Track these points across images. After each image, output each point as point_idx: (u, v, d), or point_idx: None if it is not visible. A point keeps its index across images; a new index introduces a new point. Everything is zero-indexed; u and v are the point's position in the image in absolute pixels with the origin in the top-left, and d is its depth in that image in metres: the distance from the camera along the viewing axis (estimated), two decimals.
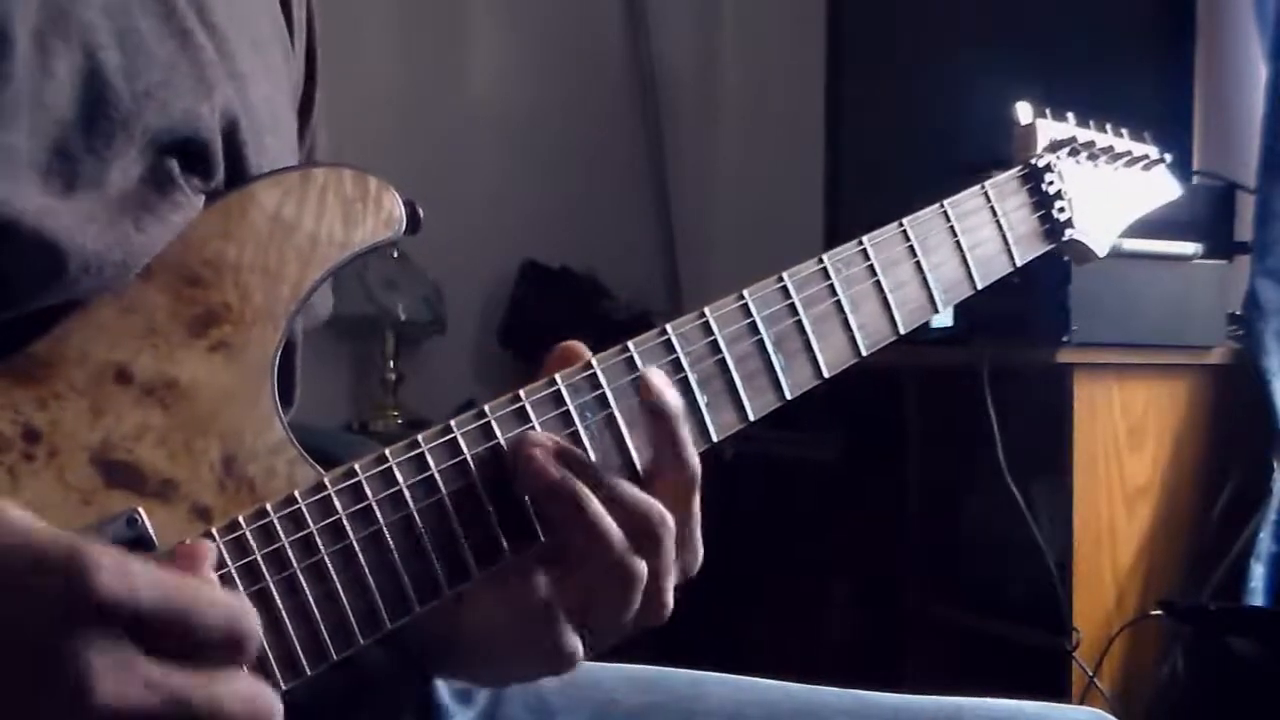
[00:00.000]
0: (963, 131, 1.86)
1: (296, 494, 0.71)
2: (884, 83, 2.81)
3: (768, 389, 0.84)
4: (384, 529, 0.72)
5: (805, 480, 2.63)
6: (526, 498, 0.75)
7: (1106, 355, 1.99)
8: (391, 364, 3.10)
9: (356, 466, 0.72)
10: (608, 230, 3.35)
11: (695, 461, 0.78)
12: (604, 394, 0.78)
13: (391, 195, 0.77)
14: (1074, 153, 1.05)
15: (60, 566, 0.58)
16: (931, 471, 2.31)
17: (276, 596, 0.69)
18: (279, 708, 0.63)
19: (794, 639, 2.66)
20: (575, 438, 0.77)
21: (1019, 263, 0.99)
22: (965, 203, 0.96)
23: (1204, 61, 2.22)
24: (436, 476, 0.74)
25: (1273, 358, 2.02)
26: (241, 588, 0.69)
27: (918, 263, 0.92)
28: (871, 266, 0.89)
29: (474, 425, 0.75)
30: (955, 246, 0.94)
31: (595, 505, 0.74)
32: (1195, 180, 2.16)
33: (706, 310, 0.82)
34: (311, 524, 0.71)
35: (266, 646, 0.69)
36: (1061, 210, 1.02)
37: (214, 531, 0.69)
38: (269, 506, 0.70)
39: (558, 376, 0.77)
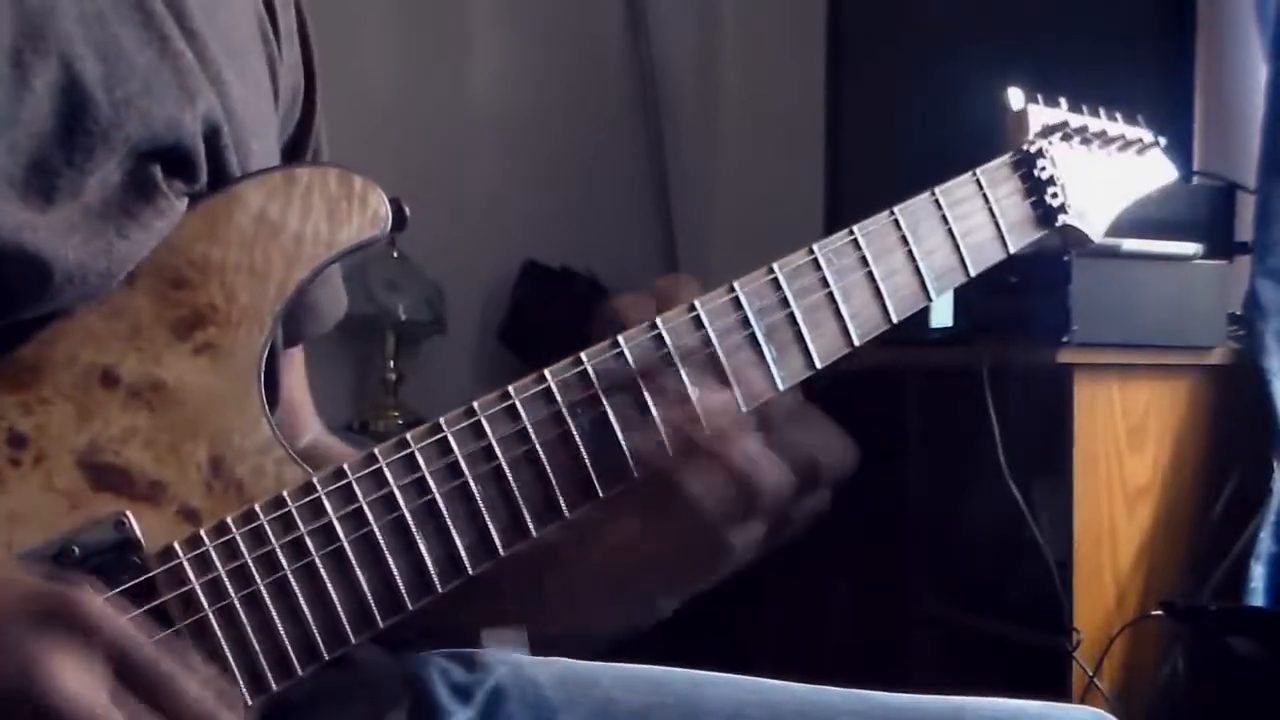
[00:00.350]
0: (963, 131, 1.85)
1: (285, 494, 0.70)
2: (884, 83, 2.81)
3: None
4: (374, 529, 0.72)
5: None
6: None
7: (1107, 355, 1.98)
8: (391, 364, 3.09)
9: (345, 466, 0.72)
10: (608, 230, 3.34)
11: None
12: (595, 394, 0.78)
13: (377, 193, 0.77)
14: (1066, 138, 1.04)
15: (60, 591, 0.59)
16: (931, 471, 2.31)
17: (266, 597, 0.69)
18: None
19: (795, 639, 2.66)
20: (567, 436, 0.77)
21: (1013, 249, 0.98)
22: (956, 190, 0.95)
23: (1204, 61, 2.21)
24: (427, 476, 0.73)
25: (1273, 358, 2.02)
26: (231, 589, 0.68)
27: (909, 251, 0.91)
28: (863, 256, 0.88)
29: (464, 424, 0.75)
30: (947, 234, 0.93)
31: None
32: (1195, 180, 2.15)
33: (697, 303, 0.82)
34: (301, 524, 0.70)
35: (258, 648, 0.69)
36: (1054, 196, 1.01)
37: (203, 534, 0.69)
38: (258, 507, 0.70)
39: (547, 373, 0.77)
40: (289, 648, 0.70)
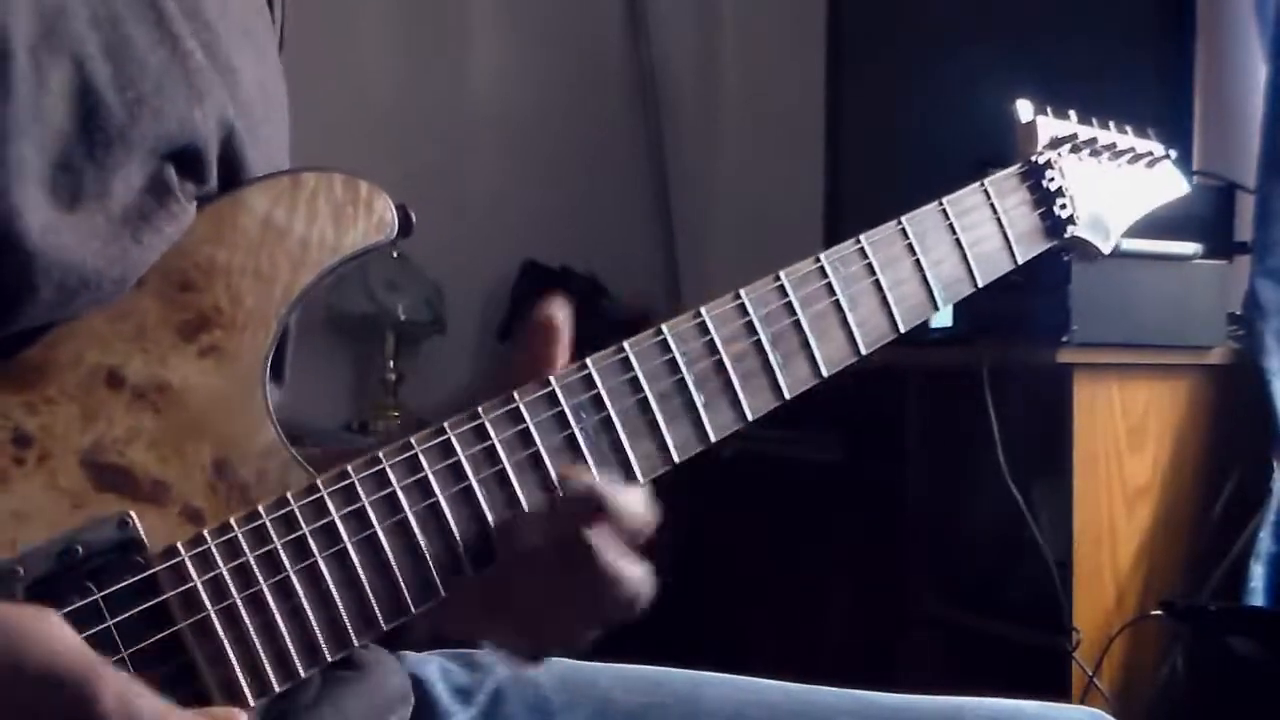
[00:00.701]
0: (963, 131, 1.85)
1: (289, 495, 0.71)
2: (884, 83, 2.81)
3: (766, 388, 0.84)
4: (378, 531, 0.72)
5: (805, 480, 2.63)
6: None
7: (1107, 355, 1.98)
8: (391, 364, 3.10)
9: (349, 468, 0.72)
10: (608, 230, 3.34)
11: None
12: (599, 394, 0.78)
13: (383, 199, 0.77)
14: (1076, 150, 1.05)
15: (70, 686, 0.59)
16: (931, 471, 2.31)
17: (269, 597, 0.69)
18: None
19: (794, 639, 2.66)
20: (571, 440, 0.77)
21: (1020, 260, 0.98)
22: (964, 200, 0.95)
23: (1204, 61, 2.21)
24: (430, 478, 0.73)
25: (1273, 358, 2.02)
26: (234, 589, 0.68)
27: (917, 260, 0.91)
28: (870, 265, 0.89)
29: (468, 426, 0.75)
30: (955, 244, 0.94)
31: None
32: (1195, 180, 2.15)
33: (703, 310, 0.82)
34: (304, 526, 0.70)
35: (260, 649, 0.69)
36: (1063, 207, 1.01)
37: (206, 534, 0.69)
38: (261, 509, 0.70)
39: (552, 378, 0.77)
40: (291, 649, 0.70)
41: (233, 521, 0.69)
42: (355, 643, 0.71)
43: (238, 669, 0.68)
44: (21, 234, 0.66)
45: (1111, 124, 1.10)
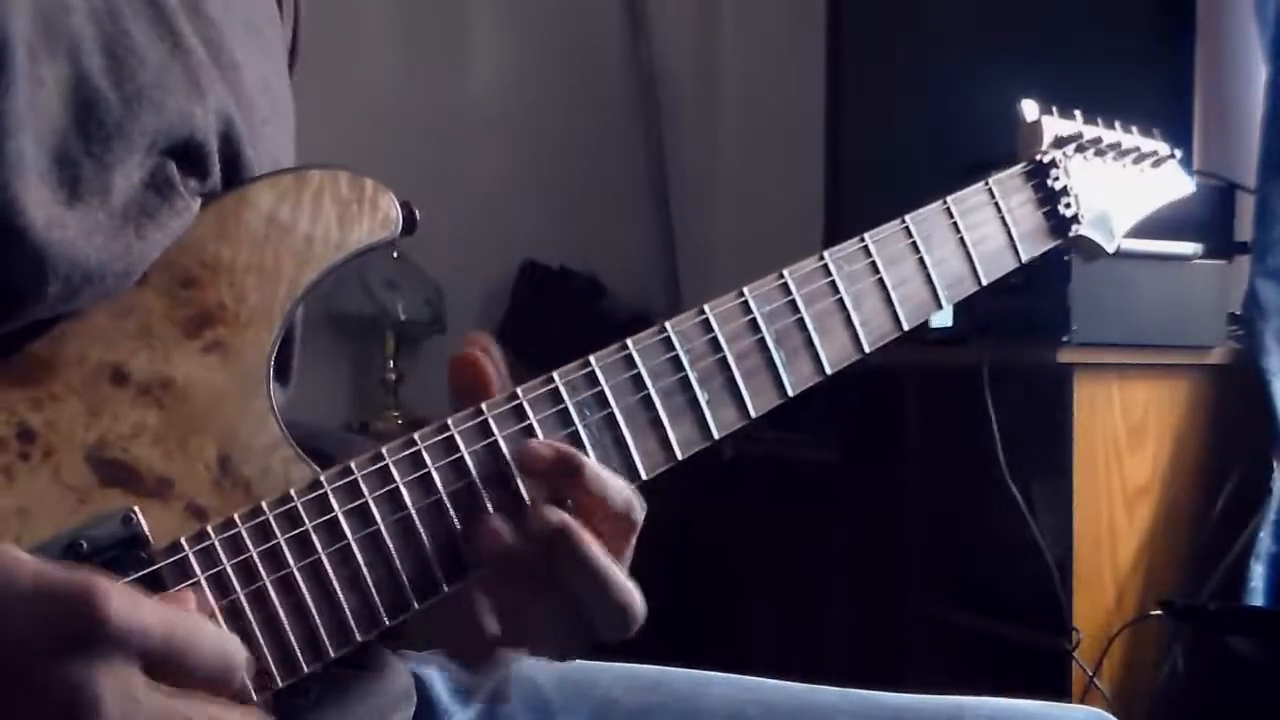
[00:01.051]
0: (963, 131, 1.85)
1: (292, 492, 0.71)
2: (884, 83, 2.81)
3: (769, 386, 0.84)
4: (381, 527, 0.72)
5: (805, 480, 2.63)
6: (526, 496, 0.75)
7: (1107, 355, 1.98)
8: (391, 364, 3.10)
9: (353, 464, 0.72)
10: (608, 230, 3.34)
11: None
12: (602, 392, 0.78)
13: (388, 197, 0.78)
14: (1080, 149, 1.05)
15: (74, 595, 0.59)
16: (931, 471, 2.31)
17: (273, 594, 0.69)
18: None
19: (794, 639, 2.66)
20: (575, 437, 0.77)
21: (1025, 259, 0.99)
22: (969, 199, 0.96)
23: (1204, 61, 2.21)
24: (433, 474, 0.73)
25: (1273, 358, 2.02)
26: (237, 584, 0.68)
27: (920, 259, 0.91)
28: (874, 263, 0.89)
29: (471, 423, 0.75)
30: (959, 243, 0.94)
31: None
32: (1195, 180, 2.15)
33: (706, 308, 0.82)
34: (307, 522, 0.70)
35: (264, 644, 0.69)
36: (1068, 206, 1.01)
37: (209, 529, 0.69)
38: (264, 505, 0.70)
39: (555, 374, 0.77)
40: (294, 644, 0.70)
41: (236, 517, 0.69)
42: (359, 638, 0.71)
43: None
44: (26, 228, 0.66)
45: (1117, 124, 1.10)
